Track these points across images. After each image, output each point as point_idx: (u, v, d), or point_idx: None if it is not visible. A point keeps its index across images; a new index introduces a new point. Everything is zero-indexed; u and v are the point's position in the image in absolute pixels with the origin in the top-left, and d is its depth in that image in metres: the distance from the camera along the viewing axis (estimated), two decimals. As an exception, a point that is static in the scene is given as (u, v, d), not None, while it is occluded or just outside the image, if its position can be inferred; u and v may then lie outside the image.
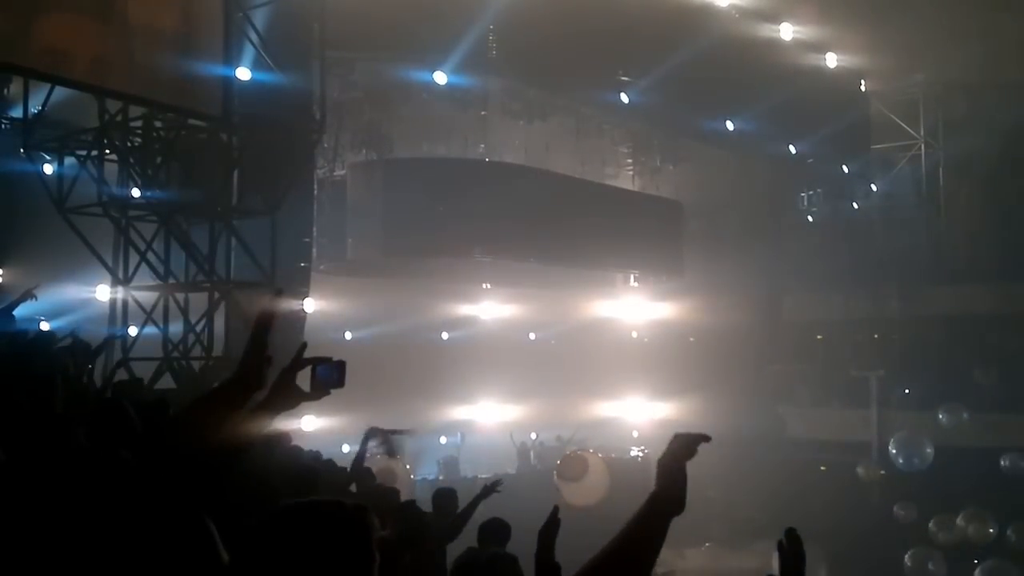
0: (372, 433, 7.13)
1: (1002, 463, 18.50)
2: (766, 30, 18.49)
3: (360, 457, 6.86)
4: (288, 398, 2.44)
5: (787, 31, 18.78)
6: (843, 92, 21.17)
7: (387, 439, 7.57)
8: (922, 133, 23.09)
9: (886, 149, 23.42)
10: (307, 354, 2.50)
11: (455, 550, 5.25)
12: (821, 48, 19.94)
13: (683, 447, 1.82)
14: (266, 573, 1.59)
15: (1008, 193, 21.62)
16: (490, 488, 6.58)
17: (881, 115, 23.07)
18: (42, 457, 3.36)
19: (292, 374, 2.43)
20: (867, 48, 19.93)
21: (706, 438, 1.83)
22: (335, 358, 2.42)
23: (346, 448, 9.98)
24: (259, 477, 4.15)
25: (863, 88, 22.40)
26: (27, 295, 7.38)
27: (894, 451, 17.46)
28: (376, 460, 7.87)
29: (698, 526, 17.16)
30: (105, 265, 11.14)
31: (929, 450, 17.25)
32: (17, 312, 7.65)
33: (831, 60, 20.40)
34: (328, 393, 2.46)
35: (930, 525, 16.98)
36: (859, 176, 23.16)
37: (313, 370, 2.38)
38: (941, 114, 22.89)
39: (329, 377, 2.38)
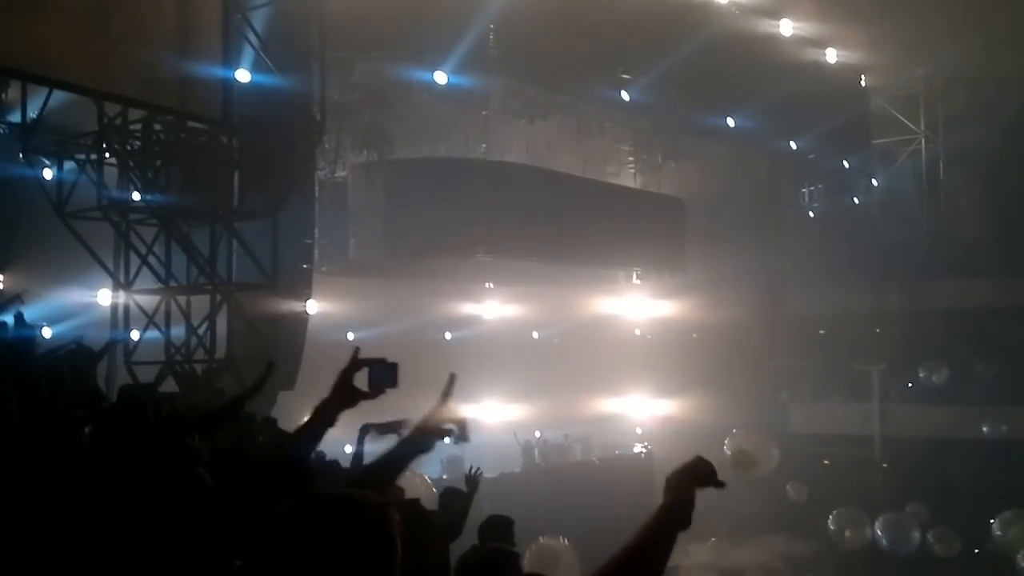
0: (365, 430, 7.07)
1: (984, 429, 18.49)
2: (766, 26, 18.45)
3: (358, 457, 6.81)
4: (348, 397, 2.55)
5: (787, 27, 18.74)
6: (843, 87, 21.14)
7: (384, 434, 7.47)
8: (922, 127, 23.08)
9: (886, 144, 23.40)
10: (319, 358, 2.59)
11: (457, 550, 5.21)
12: (821, 44, 19.90)
13: (697, 474, 1.91)
14: (290, 561, 1.63)
15: (1008, 186, 21.63)
16: (474, 480, 6.48)
17: (881, 110, 23.05)
18: (44, 460, 3.36)
19: (350, 375, 2.57)
20: (867, 43, 19.90)
21: (721, 484, 1.92)
22: (388, 359, 2.58)
23: (348, 448, 9.95)
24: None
25: (863, 83, 22.37)
26: (16, 299, 7.27)
27: (880, 532, 17.27)
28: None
29: (701, 521, 17.10)
30: (106, 269, 11.11)
31: (916, 533, 17.08)
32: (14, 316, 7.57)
33: (831, 56, 20.35)
34: (384, 392, 2.55)
35: (928, 537, 16.89)
36: (860, 171, 23.17)
37: (370, 371, 2.51)
38: (941, 108, 22.88)
39: (384, 378, 2.52)
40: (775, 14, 18.39)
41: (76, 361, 6.77)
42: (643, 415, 20.16)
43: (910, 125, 23.13)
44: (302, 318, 11.86)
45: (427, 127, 16.17)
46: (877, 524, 17.18)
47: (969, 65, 20.41)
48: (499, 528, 5.21)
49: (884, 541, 16.99)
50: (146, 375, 10.43)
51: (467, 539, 5.20)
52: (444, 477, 13.70)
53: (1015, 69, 20.29)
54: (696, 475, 1.91)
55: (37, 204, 10.89)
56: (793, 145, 20.51)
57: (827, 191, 23.37)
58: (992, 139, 21.22)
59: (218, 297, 10.93)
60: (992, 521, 16.06)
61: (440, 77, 14.48)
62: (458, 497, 6.34)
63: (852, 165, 22.79)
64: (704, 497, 1.96)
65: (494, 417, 17.82)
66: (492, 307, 18.94)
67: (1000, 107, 21.04)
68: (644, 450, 18.94)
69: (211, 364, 10.87)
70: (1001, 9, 17.25)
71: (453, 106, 15.40)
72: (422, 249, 14.41)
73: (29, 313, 8.84)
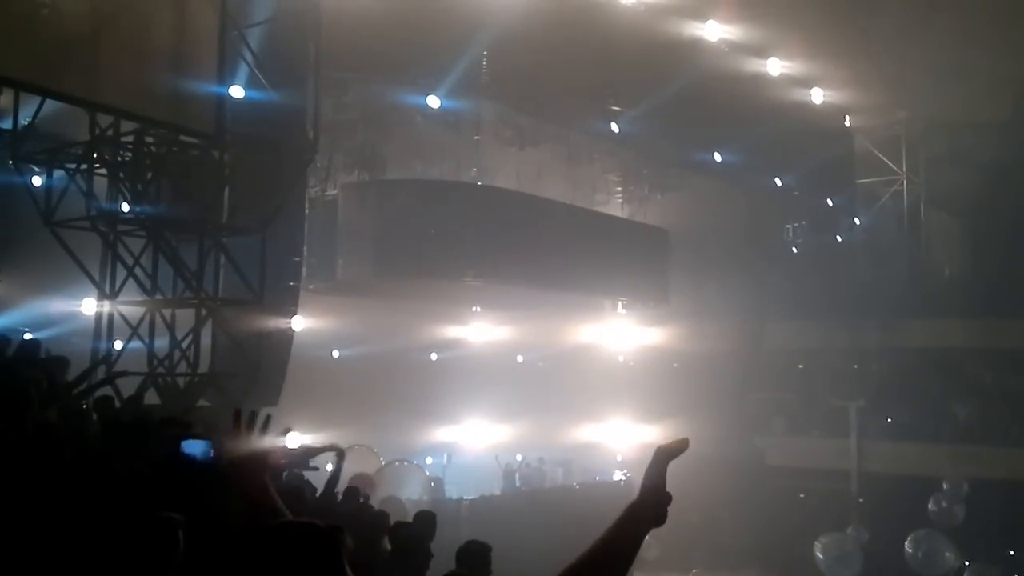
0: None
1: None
2: (754, 65, 18.80)
3: (334, 478, 6.78)
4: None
5: (774, 66, 19.10)
6: (828, 127, 21.53)
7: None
8: (904, 169, 23.49)
9: (869, 184, 23.81)
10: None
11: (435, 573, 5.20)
12: (807, 84, 20.28)
13: (665, 455, 1.82)
14: None
15: (988, 229, 22.02)
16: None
17: (865, 150, 23.46)
18: (28, 471, 3.37)
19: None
20: (851, 85, 20.32)
21: (685, 444, 1.83)
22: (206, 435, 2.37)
23: (330, 467, 9.91)
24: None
25: (847, 124, 22.79)
26: None
27: (820, 555, 17.27)
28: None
29: (682, 553, 17.14)
30: (92, 279, 11.03)
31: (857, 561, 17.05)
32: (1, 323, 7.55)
33: (817, 96, 20.74)
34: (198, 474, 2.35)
35: None
36: (843, 209, 23.51)
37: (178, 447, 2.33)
38: (923, 151, 23.34)
39: (198, 454, 2.31)
40: (763, 53, 18.74)
41: (52, 371, 6.75)
42: (624, 442, 20.18)
43: (892, 166, 23.55)
44: (287, 335, 11.83)
45: (419, 150, 16.31)
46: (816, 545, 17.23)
47: (950, 109, 20.88)
48: (477, 555, 5.19)
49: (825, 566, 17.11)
50: (128, 387, 10.34)
51: (448, 562, 5.20)
52: (425, 499, 13.66)
53: (994, 114, 20.77)
54: (666, 457, 1.81)
55: (25, 212, 10.83)
56: (778, 182, 20.82)
57: (810, 228, 23.68)
58: (972, 183, 21.64)
59: (203, 311, 10.89)
60: None
61: (433, 101, 14.63)
62: (430, 524, 6.25)
63: (835, 203, 23.14)
64: (685, 530, 1.91)
65: (476, 439, 17.80)
66: (478, 330, 18.98)
67: (980, 151, 21.49)
68: (624, 478, 18.94)
69: (194, 378, 10.81)
70: (980, 56, 17.67)
71: (445, 130, 15.55)
72: (410, 270, 14.44)
73: (13, 319, 8.81)
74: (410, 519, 6.20)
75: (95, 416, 6.41)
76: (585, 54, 14.69)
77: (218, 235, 11.05)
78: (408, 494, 12.18)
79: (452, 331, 18.35)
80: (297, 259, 12.57)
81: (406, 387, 15.67)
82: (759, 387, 22.37)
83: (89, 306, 11.45)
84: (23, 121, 10.66)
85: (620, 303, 20.25)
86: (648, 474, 1.82)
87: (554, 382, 18.74)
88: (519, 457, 17.31)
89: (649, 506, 1.79)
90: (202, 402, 10.70)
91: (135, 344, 10.90)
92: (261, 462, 2.35)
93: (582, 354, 19.87)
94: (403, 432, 12.89)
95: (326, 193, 14.55)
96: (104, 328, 11.08)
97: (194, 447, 2.34)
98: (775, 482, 20.47)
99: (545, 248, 15.23)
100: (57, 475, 3.28)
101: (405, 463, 10.41)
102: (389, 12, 12.63)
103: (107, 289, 11.03)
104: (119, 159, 11.02)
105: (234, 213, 11.22)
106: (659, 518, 1.78)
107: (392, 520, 5.92)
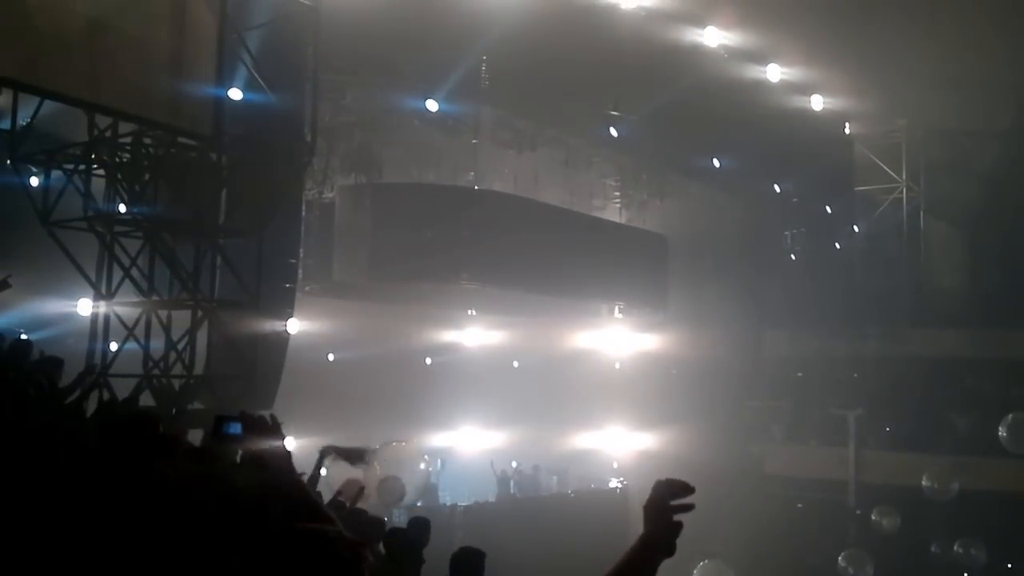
0: (326, 452, 7.00)
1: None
2: (754, 71, 18.82)
3: (313, 481, 6.73)
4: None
5: (774, 72, 19.12)
6: (828, 134, 21.54)
7: (347, 460, 7.42)
8: (904, 176, 23.48)
9: (869, 191, 23.79)
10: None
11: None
12: (807, 90, 20.30)
13: (666, 493, 1.88)
14: None
15: (987, 238, 22.02)
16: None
17: (864, 158, 23.45)
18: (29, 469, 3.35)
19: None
20: (851, 92, 20.34)
21: (689, 489, 1.88)
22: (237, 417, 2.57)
23: (323, 472, 9.86)
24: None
25: (847, 131, 22.80)
26: (3, 284, 7.22)
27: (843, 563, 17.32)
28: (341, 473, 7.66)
29: (679, 561, 17.05)
30: (88, 280, 11.01)
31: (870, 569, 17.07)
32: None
33: (816, 102, 20.76)
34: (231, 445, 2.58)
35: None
36: (842, 217, 23.49)
37: (217, 427, 2.56)
38: (923, 158, 23.32)
39: (233, 432, 2.54)
40: (763, 59, 18.76)
41: (47, 371, 6.75)
42: (620, 449, 20.14)
43: (892, 174, 23.54)
44: (282, 337, 11.81)
45: (416, 153, 16.34)
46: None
47: (949, 118, 20.89)
48: (470, 561, 5.20)
49: None
50: (122, 388, 10.32)
51: (442, 569, 5.19)
52: (419, 504, 13.60)
53: (994, 123, 20.78)
54: (671, 498, 1.87)
55: (22, 212, 10.83)
56: (777, 188, 20.81)
57: (809, 235, 23.67)
58: (972, 191, 21.64)
59: (199, 313, 10.87)
60: None
61: (431, 104, 14.64)
62: (424, 529, 6.25)
63: (835, 210, 23.12)
64: (681, 538, 1.91)
65: (471, 445, 17.75)
66: (474, 334, 18.95)
67: (979, 159, 21.50)
68: (620, 486, 18.89)
69: (189, 380, 10.78)
70: (981, 65, 17.70)
71: (443, 134, 15.58)
72: (406, 273, 14.44)
73: (9, 319, 8.79)
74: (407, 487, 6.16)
75: (91, 417, 6.41)
76: (584, 59, 14.71)
77: (215, 237, 11.04)
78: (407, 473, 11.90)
79: (448, 335, 18.33)
80: (293, 261, 12.56)
81: (401, 391, 15.63)
82: (757, 395, 22.32)
83: (85, 307, 11.44)
84: (22, 121, 10.66)
85: (617, 307, 20.23)
86: (649, 506, 1.88)
87: (550, 388, 18.68)
88: (514, 464, 17.26)
89: (660, 537, 1.84)
90: (196, 404, 10.67)
91: (131, 345, 10.88)
92: (289, 459, 2.46)
93: (579, 360, 19.83)
94: (398, 436, 12.86)
95: (323, 196, 14.58)
96: (100, 329, 11.06)
97: (234, 427, 2.53)
98: (772, 491, 20.42)
99: (542, 252, 15.24)
100: (55, 475, 3.28)
101: (403, 443, 10.26)
102: (388, 15, 12.64)
103: (103, 290, 11.01)
104: (117, 160, 11.01)
105: (231, 215, 11.21)
106: (670, 548, 1.84)
107: (398, 494, 5.88)
